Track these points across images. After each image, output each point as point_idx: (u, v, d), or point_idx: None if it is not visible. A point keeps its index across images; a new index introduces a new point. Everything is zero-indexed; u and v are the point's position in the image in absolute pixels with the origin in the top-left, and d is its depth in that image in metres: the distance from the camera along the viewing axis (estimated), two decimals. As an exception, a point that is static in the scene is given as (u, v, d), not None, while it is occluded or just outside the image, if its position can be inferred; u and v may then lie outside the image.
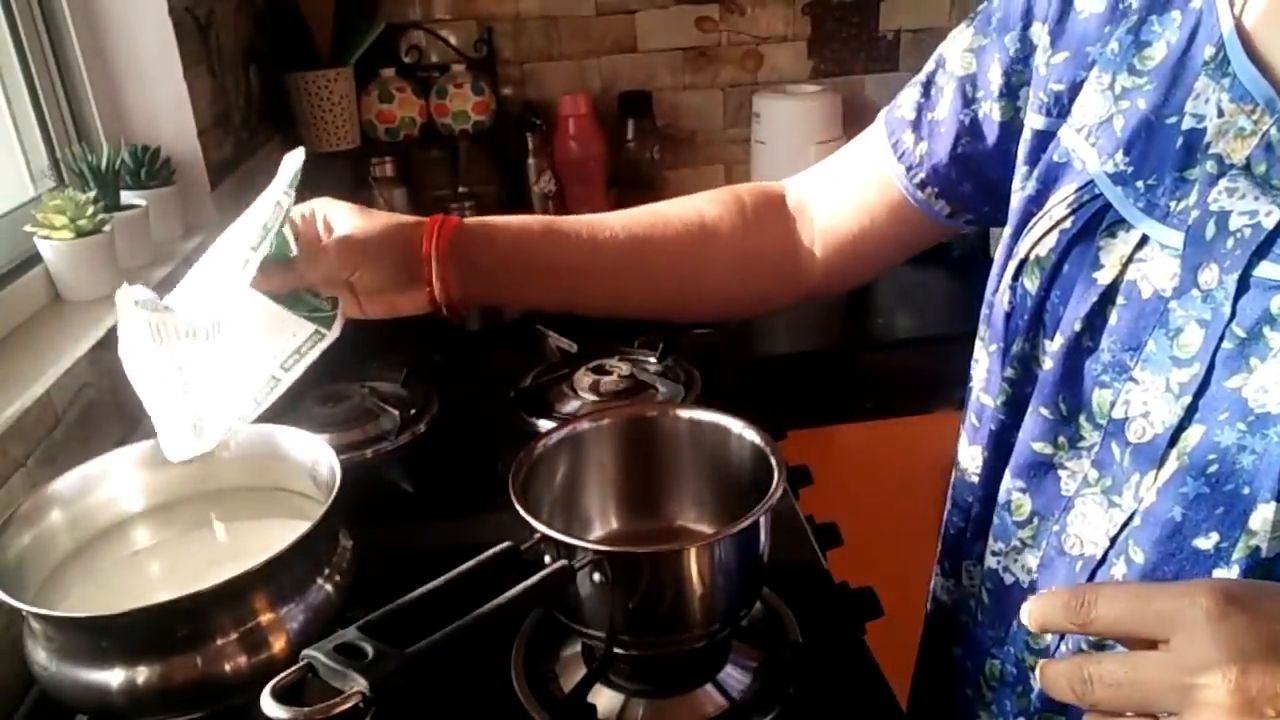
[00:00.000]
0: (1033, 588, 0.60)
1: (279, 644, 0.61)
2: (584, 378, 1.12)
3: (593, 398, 1.10)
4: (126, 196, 1.07)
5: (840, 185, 0.80)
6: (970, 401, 0.68)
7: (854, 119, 1.76)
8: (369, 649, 0.50)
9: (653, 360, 1.17)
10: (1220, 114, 0.52)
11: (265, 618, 0.61)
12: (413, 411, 1.08)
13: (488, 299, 0.80)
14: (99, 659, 0.59)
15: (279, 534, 0.62)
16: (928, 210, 0.75)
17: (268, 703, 0.47)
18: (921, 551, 1.49)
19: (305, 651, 0.50)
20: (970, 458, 0.68)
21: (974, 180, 0.71)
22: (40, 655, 0.61)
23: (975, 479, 0.67)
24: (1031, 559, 0.61)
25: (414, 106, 1.63)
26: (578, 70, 1.77)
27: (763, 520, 0.66)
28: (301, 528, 0.62)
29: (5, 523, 0.64)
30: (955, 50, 0.70)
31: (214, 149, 1.25)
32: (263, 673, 0.54)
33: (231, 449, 0.75)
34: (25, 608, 0.59)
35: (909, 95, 0.74)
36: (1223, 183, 0.50)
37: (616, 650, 0.66)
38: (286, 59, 1.54)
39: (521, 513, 0.65)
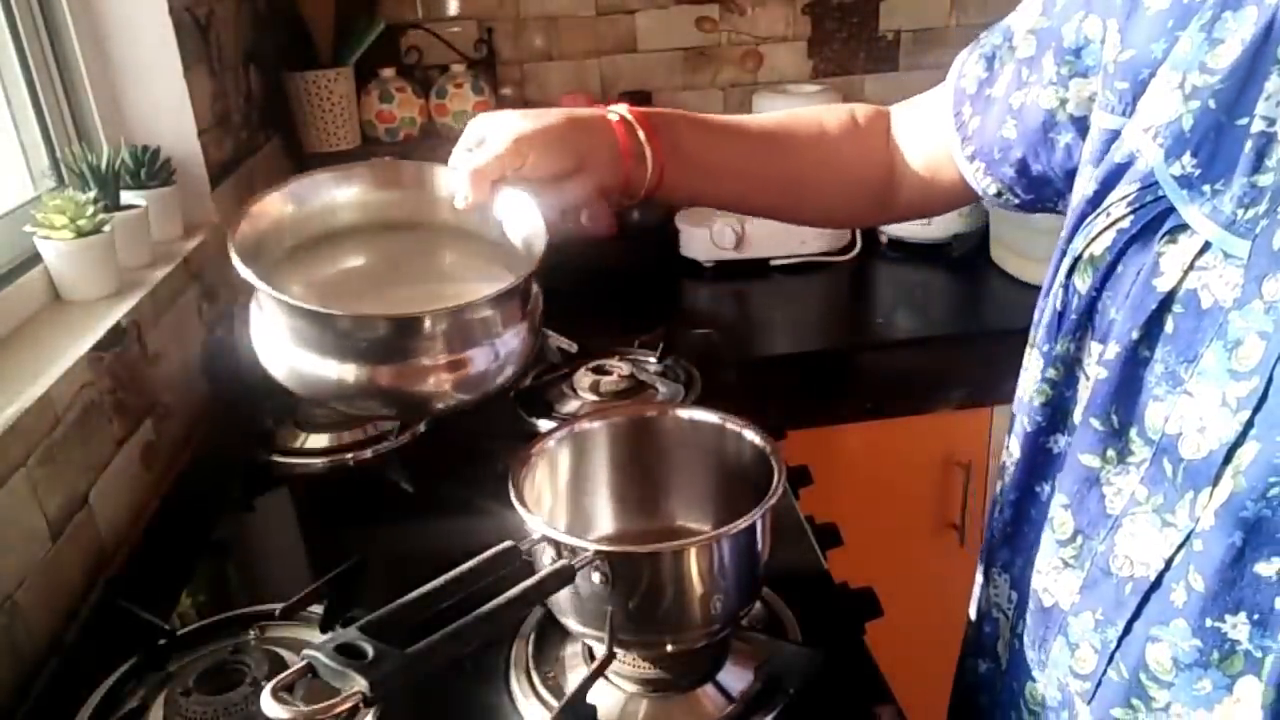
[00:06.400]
0: (1074, 610, 0.58)
1: (478, 369, 0.66)
2: (584, 378, 1.12)
3: (593, 398, 1.10)
4: (126, 196, 1.07)
5: (920, 134, 0.81)
6: (1016, 399, 0.66)
7: (854, 119, 1.76)
8: (369, 649, 0.50)
9: (653, 360, 1.18)
10: None
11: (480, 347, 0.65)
12: (413, 411, 1.08)
13: (679, 189, 0.79)
14: (320, 350, 0.63)
15: (476, 281, 0.67)
16: (974, 184, 0.74)
17: (268, 703, 0.47)
18: (921, 552, 1.49)
19: (305, 651, 0.50)
20: (1010, 457, 0.66)
21: (1016, 166, 0.70)
22: (265, 337, 0.65)
23: (1010, 480, 0.66)
24: (1074, 579, 0.58)
25: (414, 106, 1.63)
26: (578, 70, 1.77)
27: (762, 520, 0.66)
28: (497, 283, 0.65)
29: (253, 203, 0.68)
30: (1021, 28, 0.68)
31: (214, 149, 1.25)
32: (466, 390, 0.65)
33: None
34: (271, 291, 0.62)
35: (974, 68, 0.73)
36: None
37: (616, 650, 0.66)
38: (286, 59, 1.54)
39: (521, 513, 0.65)
